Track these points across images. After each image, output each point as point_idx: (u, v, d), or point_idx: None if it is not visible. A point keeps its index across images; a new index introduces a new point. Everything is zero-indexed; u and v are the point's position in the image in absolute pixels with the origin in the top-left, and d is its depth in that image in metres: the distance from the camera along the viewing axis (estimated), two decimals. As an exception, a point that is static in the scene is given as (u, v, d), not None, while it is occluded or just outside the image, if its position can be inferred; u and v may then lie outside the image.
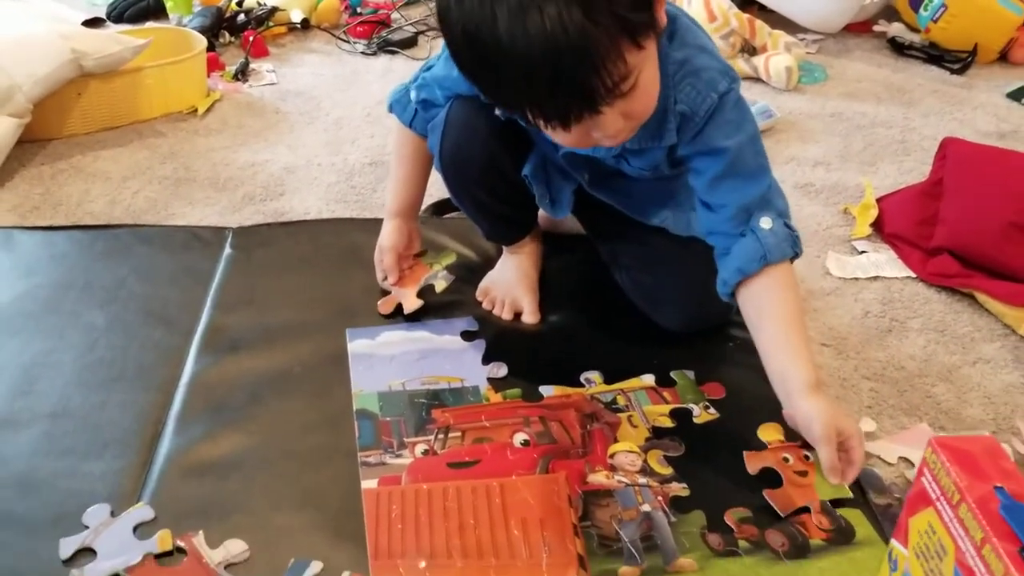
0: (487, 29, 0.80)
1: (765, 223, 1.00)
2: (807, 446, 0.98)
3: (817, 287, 1.35)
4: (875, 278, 1.37)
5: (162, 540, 0.88)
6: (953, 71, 2.20)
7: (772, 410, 1.00)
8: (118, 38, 1.80)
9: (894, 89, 2.10)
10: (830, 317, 1.28)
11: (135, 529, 0.89)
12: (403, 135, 1.22)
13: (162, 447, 1.00)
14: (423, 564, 0.85)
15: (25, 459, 0.98)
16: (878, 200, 1.53)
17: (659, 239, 1.19)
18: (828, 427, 0.94)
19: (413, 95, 1.17)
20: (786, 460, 0.98)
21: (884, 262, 1.41)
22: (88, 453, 0.99)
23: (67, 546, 0.87)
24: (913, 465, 1.00)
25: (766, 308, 1.01)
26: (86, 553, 0.87)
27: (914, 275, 1.37)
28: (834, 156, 1.76)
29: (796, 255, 1.02)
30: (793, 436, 1.00)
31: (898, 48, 2.32)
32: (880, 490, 0.96)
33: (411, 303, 1.22)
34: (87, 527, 0.89)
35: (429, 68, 1.16)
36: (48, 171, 1.63)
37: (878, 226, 1.49)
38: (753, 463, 0.98)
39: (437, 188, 1.33)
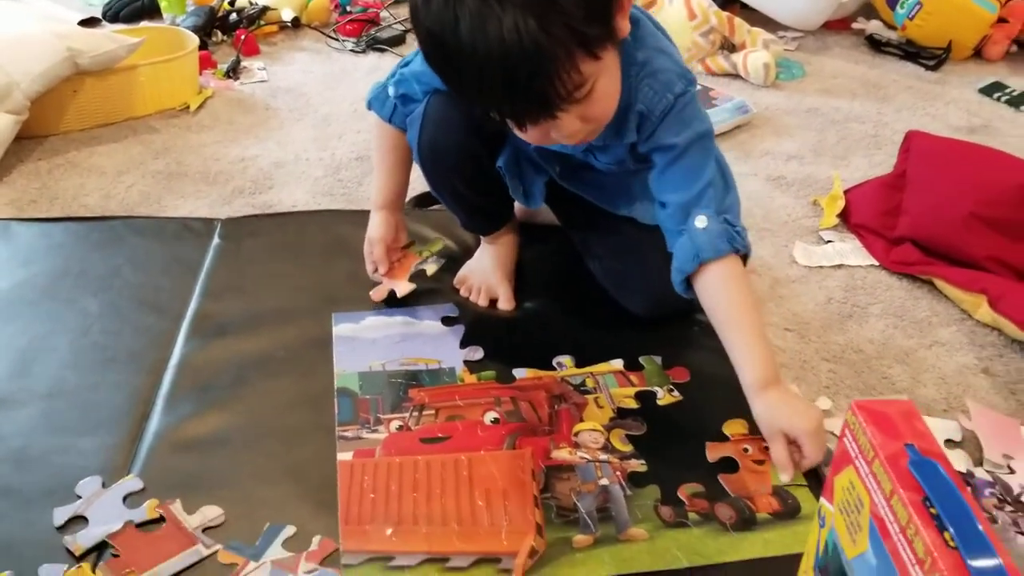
0: (450, 32, 0.83)
1: (700, 222, 1.02)
2: None
3: (783, 275, 1.39)
4: (839, 266, 1.41)
5: (151, 509, 0.92)
6: (928, 67, 2.23)
7: (733, 394, 1.02)
8: (113, 37, 1.83)
9: (870, 85, 2.14)
10: (794, 303, 1.32)
11: (125, 499, 0.94)
12: (383, 130, 1.24)
13: (151, 425, 1.04)
14: (390, 531, 0.90)
15: (22, 436, 1.03)
16: (845, 192, 1.56)
17: (629, 229, 1.22)
18: (770, 431, 0.97)
19: (392, 91, 1.18)
20: (746, 450, 1.01)
21: (849, 251, 1.45)
22: (82, 430, 1.04)
23: (60, 515, 0.92)
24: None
25: (715, 306, 1.04)
26: (78, 521, 0.92)
27: (877, 263, 1.41)
28: (808, 150, 1.80)
29: (737, 250, 1.03)
30: (758, 430, 1.01)
31: (875, 45, 2.35)
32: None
33: (404, 288, 1.26)
34: (80, 497, 0.94)
35: (407, 64, 1.17)
36: (45, 166, 1.67)
37: (845, 217, 1.53)
38: (714, 453, 1.01)
39: (421, 183, 1.37)
